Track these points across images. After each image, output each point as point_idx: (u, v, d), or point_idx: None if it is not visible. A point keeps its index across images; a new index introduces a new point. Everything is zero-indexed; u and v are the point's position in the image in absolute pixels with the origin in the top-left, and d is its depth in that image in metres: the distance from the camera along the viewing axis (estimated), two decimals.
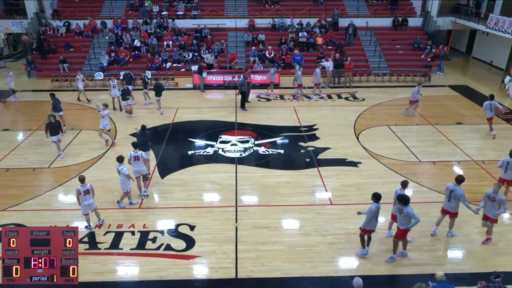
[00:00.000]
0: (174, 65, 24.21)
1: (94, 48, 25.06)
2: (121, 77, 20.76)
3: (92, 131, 15.84)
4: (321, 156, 14.27)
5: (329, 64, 21.41)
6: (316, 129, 16.52)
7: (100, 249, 9.66)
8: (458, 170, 13.34)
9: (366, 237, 9.29)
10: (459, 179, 9.51)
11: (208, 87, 21.75)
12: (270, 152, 14.57)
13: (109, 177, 12.61)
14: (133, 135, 15.22)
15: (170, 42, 25.33)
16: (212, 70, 22.48)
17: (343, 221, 10.59)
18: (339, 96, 20.46)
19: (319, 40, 25.48)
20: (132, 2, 27.97)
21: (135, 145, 11.58)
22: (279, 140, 15.56)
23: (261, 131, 16.26)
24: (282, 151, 14.66)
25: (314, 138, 15.71)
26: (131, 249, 9.71)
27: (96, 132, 15.21)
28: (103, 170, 13.23)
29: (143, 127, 12.82)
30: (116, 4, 28.29)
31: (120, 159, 10.84)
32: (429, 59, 24.65)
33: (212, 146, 15.03)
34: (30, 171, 13.33)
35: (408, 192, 9.81)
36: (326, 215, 10.94)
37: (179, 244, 9.87)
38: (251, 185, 12.50)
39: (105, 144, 14.92)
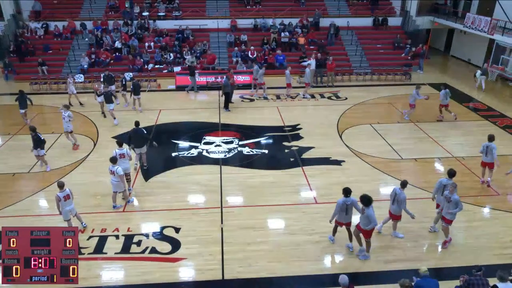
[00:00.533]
0: (156, 66, 23.97)
1: (74, 50, 24.63)
2: (101, 79, 20.44)
3: (77, 135, 15.43)
4: (305, 155, 14.35)
5: (312, 62, 21.57)
6: (300, 128, 16.60)
7: (83, 254, 9.48)
8: (439, 167, 13.61)
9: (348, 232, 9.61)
10: (404, 183, 9.63)
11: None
12: (255, 153, 14.57)
13: (91, 180, 12.44)
14: (115, 137, 15.07)
15: (152, 43, 25.10)
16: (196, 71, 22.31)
17: (329, 219, 10.61)
18: (322, 96, 20.62)
19: (301, 40, 25.63)
20: (112, 4, 27.59)
21: (119, 143, 11.73)
22: (263, 140, 15.58)
23: (245, 132, 16.25)
24: (266, 151, 14.68)
25: (298, 137, 15.78)
26: (116, 253, 9.58)
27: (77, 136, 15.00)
28: (84, 174, 13.00)
29: (137, 123, 12.92)
30: (95, 5, 27.86)
31: (113, 160, 10.83)
32: (409, 58, 25.06)
33: (196, 147, 14.95)
34: (9, 176, 13.03)
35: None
36: (311, 214, 11.01)
37: (165, 247, 9.78)
38: (236, 185, 12.48)
39: (72, 148, 14.70)
